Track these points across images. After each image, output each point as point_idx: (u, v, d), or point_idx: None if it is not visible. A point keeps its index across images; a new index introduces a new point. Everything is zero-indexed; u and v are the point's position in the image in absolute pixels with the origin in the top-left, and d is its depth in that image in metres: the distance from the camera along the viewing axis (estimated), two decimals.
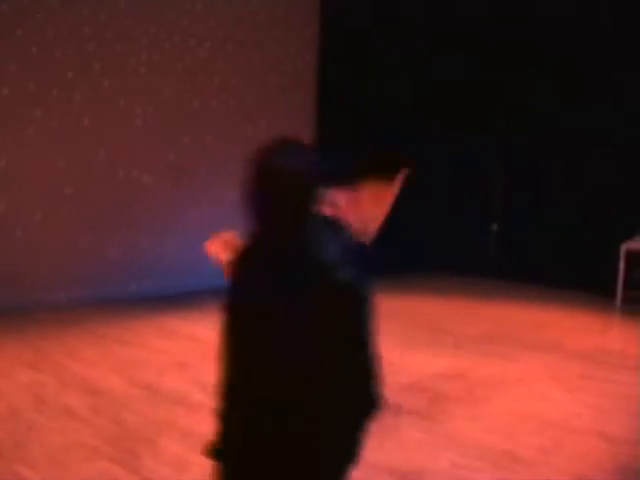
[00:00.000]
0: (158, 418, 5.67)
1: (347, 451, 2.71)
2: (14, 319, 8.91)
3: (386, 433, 5.49)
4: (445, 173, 14.34)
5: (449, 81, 13.96)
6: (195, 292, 10.87)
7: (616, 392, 6.85)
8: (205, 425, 5.50)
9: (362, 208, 5.52)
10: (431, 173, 14.21)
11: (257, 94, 12.08)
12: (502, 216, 14.22)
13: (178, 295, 10.66)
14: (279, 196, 2.51)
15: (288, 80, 12.53)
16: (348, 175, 5.24)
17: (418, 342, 8.64)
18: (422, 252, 13.96)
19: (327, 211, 4.25)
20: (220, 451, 2.90)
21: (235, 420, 2.84)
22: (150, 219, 10.79)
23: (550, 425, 5.83)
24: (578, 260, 12.28)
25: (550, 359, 8.00)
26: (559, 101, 12.70)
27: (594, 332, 9.59)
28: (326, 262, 2.58)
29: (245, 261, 2.81)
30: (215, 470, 2.75)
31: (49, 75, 9.71)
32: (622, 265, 11.10)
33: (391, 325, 9.45)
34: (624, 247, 11.11)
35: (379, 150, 5.86)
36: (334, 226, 3.07)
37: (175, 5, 11.01)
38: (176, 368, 7.13)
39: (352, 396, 2.80)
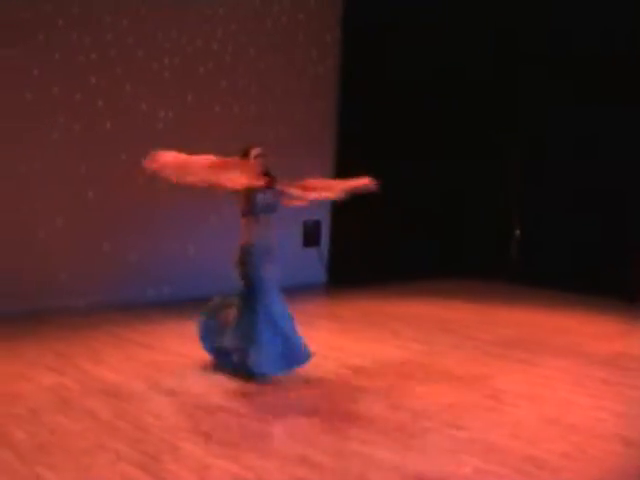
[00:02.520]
0: (180, 422, 5.67)
1: None
2: (36, 323, 8.95)
3: (407, 439, 5.48)
4: (467, 178, 14.33)
5: (474, 83, 13.94)
6: (214, 297, 10.86)
7: (638, 398, 6.81)
8: (226, 430, 5.53)
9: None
10: (454, 177, 14.23)
11: (279, 99, 12.08)
12: (525, 221, 14.17)
13: (198, 299, 10.64)
14: None
15: (310, 85, 12.53)
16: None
17: (441, 347, 8.62)
18: (445, 257, 13.96)
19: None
20: None
21: None
22: (171, 223, 10.81)
23: (573, 431, 5.79)
24: (600, 265, 12.21)
25: (572, 364, 7.95)
26: (577, 102, 12.65)
27: (616, 337, 9.52)
28: None
29: None
30: None
31: (72, 80, 9.76)
32: None
33: (414, 332, 9.45)
34: None
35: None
36: None
37: (197, 10, 11.03)
38: (197, 372, 7.13)
39: None
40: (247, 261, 7.03)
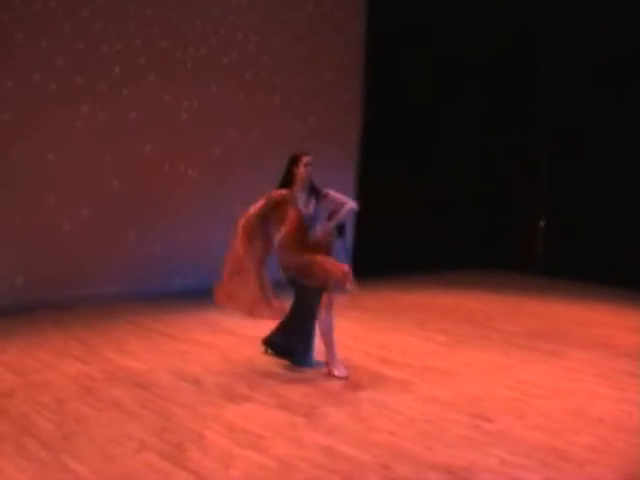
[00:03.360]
0: (205, 412, 5.68)
1: None
2: (61, 313, 8.99)
3: (433, 430, 5.47)
4: (492, 169, 14.29)
5: (493, 74, 13.89)
6: None
7: None
8: (251, 419, 5.53)
9: None
10: (479, 170, 14.19)
11: (303, 89, 12.04)
12: (549, 212, 14.11)
13: None
14: None
15: (334, 75, 12.49)
16: None
17: (466, 338, 8.60)
18: (470, 248, 13.93)
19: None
20: None
21: None
22: (195, 213, 10.82)
23: (599, 423, 5.75)
24: (624, 256, 12.14)
25: (597, 356, 7.91)
26: (606, 96, 12.58)
27: None
28: None
29: None
30: None
31: (96, 70, 9.77)
32: None
33: (440, 322, 9.43)
34: None
35: None
36: None
37: (221, 0, 11.02)
38: (222, 362, 7.14)
39: None
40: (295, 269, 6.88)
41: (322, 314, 6.76)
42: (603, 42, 12.47)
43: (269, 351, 7.15)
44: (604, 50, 12.51)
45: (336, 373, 6.74)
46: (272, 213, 6.90)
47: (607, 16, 12.23)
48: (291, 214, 6.83)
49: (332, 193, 6.97)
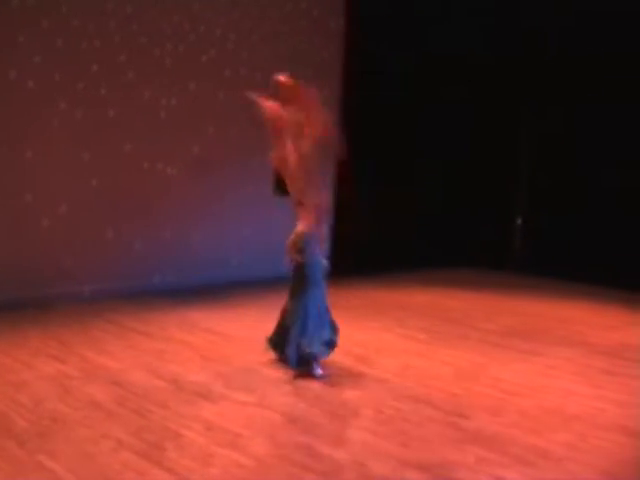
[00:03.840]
0: (182, 411, 5.67)
1: None
2: (38, 311, 8.94)
3: (410, 428, 5.48)
4: (470, 167, 14.33)
5: (474, 69, 13.91)
6: (218, 285, 10.90)
7: None
8: (229, 418, 5.53)
9: None
10: (456, 165, 14.23)
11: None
12: (527, 210, 14.18)
13: (201, 288, 10.68)
14: None
15: (313, 72, 12.46)
16: None
17: (445, 336, 8.63)
18: (447, 247, 13.96)
19: None
20: None
21: None
22: (175, 211, 10.79)
23: (576, 420, 5.80)
24: (605, 254, 12.19)
25: (575, 354, 7.96)
26: (583, 95, 12.67)
27: (619, 328, 9.53)
28: None
29: None
30: None
31: (74, 67, 9.71)
32: None
33: (419, 321, 9.46)
34: None
35: None
36: None
37: None
38: (199, 361, 7.13)
39: None
40: (305, 249, 6.77)
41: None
42: (580, 44, 12.57)
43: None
44: (582, 51, 12.59)
45: (314, 372, 6.74)
46: None
47: (583, 18, 12.34)
48: None
49: None
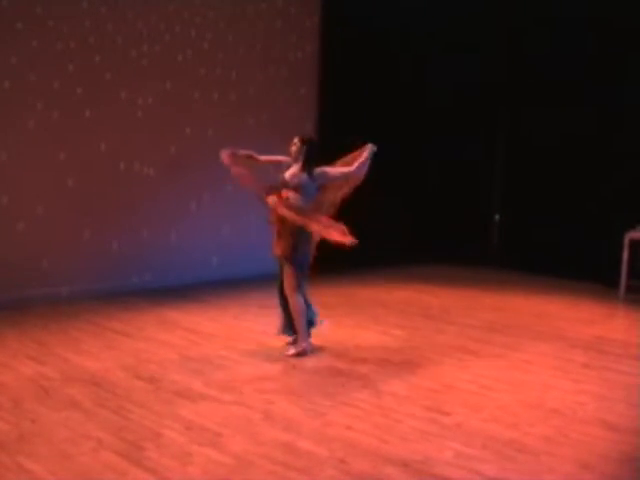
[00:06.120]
0: (161, 410, 5.66)
1: None
2: (16, 312, 8.91)
3: (389, 424, 5.50)
4: (447, 163, 14.38)
5: (451, 71, 13.95)
6: (196, 284, 10.91)
7: (619, 381, 6.85)
8: (208, 417, 5.53)
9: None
10: (433, 162, 14.28)
11: (258, 85, 12.04)
12: (504, 205, 14.23)
13: (179, 287, 10.67)
14: None
15: (289, 71, 12.50)
16: None
17: (422, 332, 8.64)
18: (424, 242, 13.97)
19: None
20: None
21: None
22: (152, 211, 10.78)
23: (554, 415, 5.83)
24: (581, 249, 12.25)
25: (553, 349, 8.00)
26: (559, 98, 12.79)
27: (597, 322, 9.58)
28: None
29: None
30: None
31: (50, 68, 9.67)
32: (626, 254, 11.06)
33: (396, 317, 9.47)
34: (628, 236, 11.07)
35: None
36: None
37: None
38: (179, 360, 7.12)
39: None
40: (303, 241, 7.41)
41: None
42: (557, 47, 12.68)
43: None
44: (559, 54, 12.68)
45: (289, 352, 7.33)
46: None
47: (560, 22, 12.49)
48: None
49: (330, 169, 7.95)
